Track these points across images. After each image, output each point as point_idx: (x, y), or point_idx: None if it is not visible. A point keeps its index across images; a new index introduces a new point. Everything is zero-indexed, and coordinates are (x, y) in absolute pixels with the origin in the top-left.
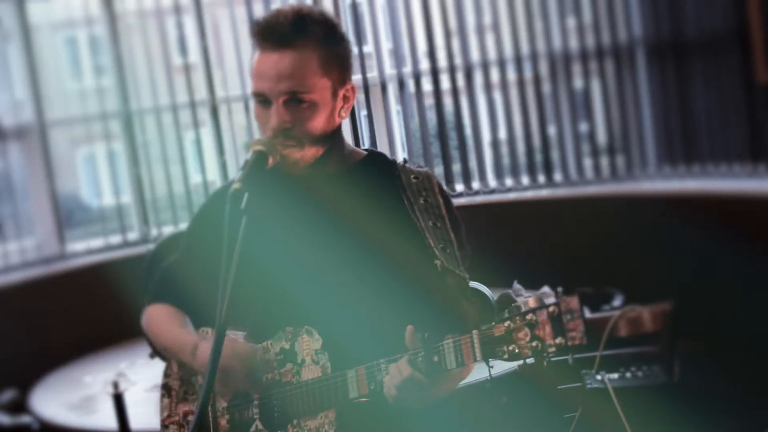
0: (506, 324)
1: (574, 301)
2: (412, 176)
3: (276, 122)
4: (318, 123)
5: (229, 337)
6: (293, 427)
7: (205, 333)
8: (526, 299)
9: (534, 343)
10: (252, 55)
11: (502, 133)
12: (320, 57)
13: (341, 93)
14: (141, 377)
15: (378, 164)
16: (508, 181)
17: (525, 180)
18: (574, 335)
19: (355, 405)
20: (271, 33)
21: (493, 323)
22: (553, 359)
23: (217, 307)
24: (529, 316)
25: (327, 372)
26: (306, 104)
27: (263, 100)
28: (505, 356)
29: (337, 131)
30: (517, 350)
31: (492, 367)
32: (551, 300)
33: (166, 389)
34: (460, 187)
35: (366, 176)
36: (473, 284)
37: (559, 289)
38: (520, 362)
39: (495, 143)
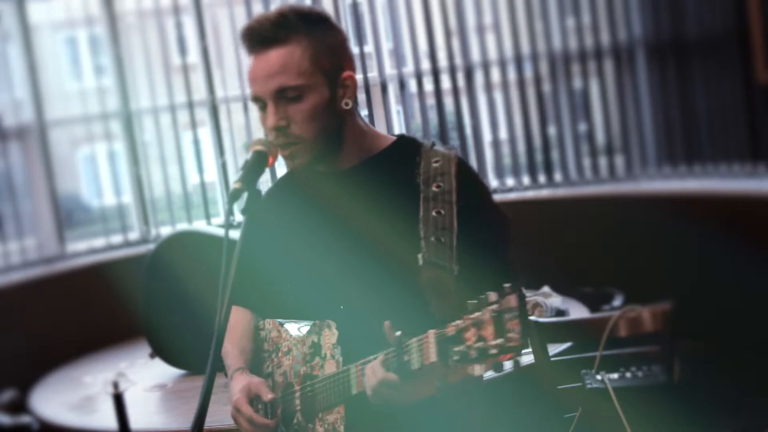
0: (456, 323)
1: (512, 299)
2: (433, 160)
3: (271, 122)
4: (316, 117)
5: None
6: (319, 420)
7: (269, 337)
8: (530, 299)
9: (479, 344)
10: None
11: (503, 133)
12: (306, 48)
13: (339, 82)
14: (141, 377)
15: (401, 152)
16: (509, 181)
17: (525, 180)
18: (511, 336)
19: (360, 400)
20: (256, 35)
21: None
22: (496, 364)
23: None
24: (475, 315)
25: (340, 367)
26: (298, 99)
27: (261, 104)
28: (456, 357)
29: (348, 122)
30: (465, 351)
31: (441, 383)
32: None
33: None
34: None
35: (382, 168)
36: None
37: (506, 285)
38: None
39: (495, 143)
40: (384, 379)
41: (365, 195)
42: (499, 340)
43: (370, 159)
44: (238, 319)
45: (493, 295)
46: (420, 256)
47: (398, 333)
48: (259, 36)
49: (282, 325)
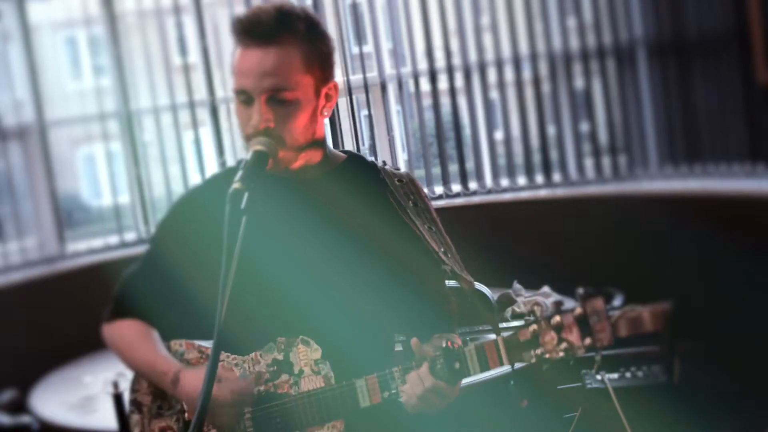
0: (532, 328)
1: (599, 302)
2: (395, 179)
3: (258, 120)
4: (300, 122)
5: (227, 371)
6: None
7: (183, 358)
8: (529, 299)
9: (563, 345)
10: (233, 52)
11: (501, 134)
12: (303, 53)
13: (324, 91)
14: None
15: (360, 166)
16: (507, 182)
17: (523, 180)
18: (601, 336)
19: (365, 414)
20: (254, 29)
21: (517, 327)
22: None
23: (199, 313)
24: (555, 320)
25: (330, 382)
26: (288, 102)
27: (246, 98)
28: (533, 360)
29: (320, 131)
30: (545, 354)
31: (515, 370)
32: (567, 302)
33: (135, 405)
34: (457, 187)
35: (352, 178)
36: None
37: (581, 291)
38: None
39: (493, 143)
40: (434, 386)
41: (346, 201)
42: (588, 341)
43: (337, 169)
44: (139, 333)
45: (553, 305)
46: (447, 269)
47: (446, 342)
48: (260, 31)
49: (200, 344)
